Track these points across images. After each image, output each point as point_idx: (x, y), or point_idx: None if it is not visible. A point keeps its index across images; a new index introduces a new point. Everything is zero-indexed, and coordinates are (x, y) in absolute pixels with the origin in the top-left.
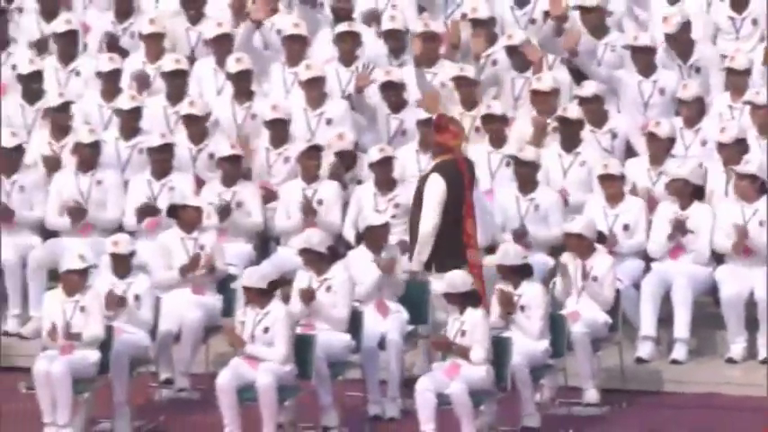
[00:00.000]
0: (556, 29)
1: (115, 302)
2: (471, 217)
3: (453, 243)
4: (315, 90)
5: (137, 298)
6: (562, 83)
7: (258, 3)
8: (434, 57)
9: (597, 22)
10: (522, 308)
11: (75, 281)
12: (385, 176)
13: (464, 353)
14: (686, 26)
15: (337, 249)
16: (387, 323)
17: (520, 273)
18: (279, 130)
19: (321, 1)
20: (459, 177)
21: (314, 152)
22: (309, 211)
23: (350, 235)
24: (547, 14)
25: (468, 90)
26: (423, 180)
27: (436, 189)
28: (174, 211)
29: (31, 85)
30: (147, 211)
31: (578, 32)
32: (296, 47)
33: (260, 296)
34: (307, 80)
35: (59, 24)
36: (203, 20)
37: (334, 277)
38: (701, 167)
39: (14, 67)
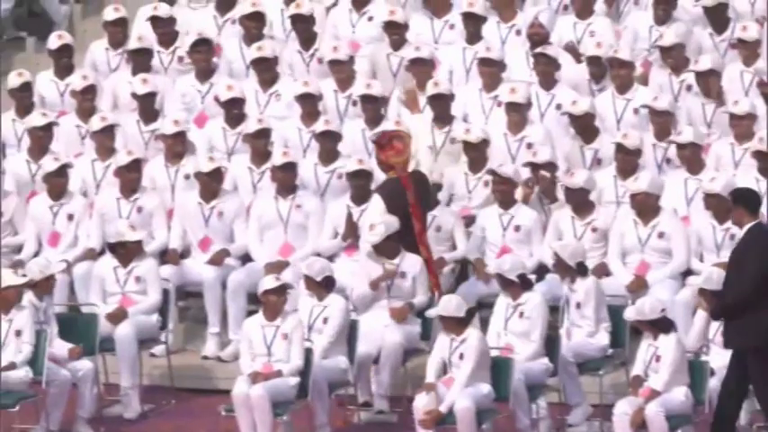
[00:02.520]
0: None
1: None
2: (424, 231)
3: None
4: (516, 114)
5: (325, 321)
6: (759, 110)
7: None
8: (628, 83)
9: None
10: None
11: (272, 301)
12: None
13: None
14: None
15: (526, 276)
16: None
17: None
18: (478, 154)
19: (518, 29)
20: (402, 194)
21: (508, 179)
22: None
23: (548, 259)
24: (741, 42)
25: (662, 119)
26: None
27: (373, 210)
28: None
29: (233, 111)
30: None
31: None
32: (489, 70)
33: (457, 324)
34: (508, 104)
35: (254, 51)
36: (405, 45)
37: (527, 302)
38: None
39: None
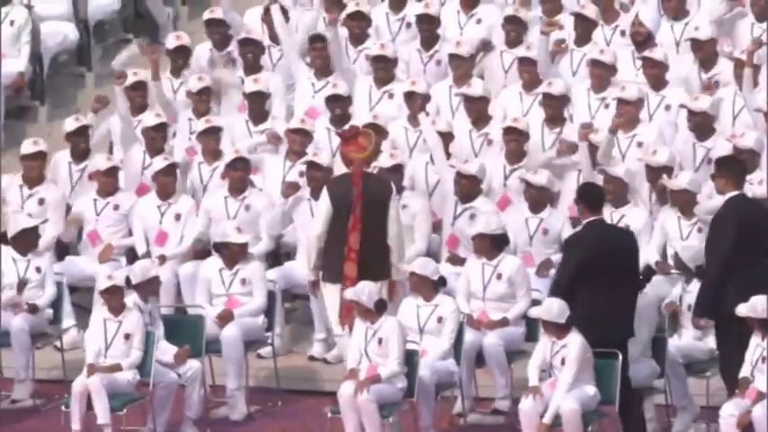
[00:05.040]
0: None
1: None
2: (357, 231)
3: (338, 255)
4: (628, 113)
5: (439, 320)
6: None
7: None
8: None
9: None
10: None
11: (352, 307)
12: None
13: None
14: None
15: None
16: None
17: None
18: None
19: (623, 29)
20: (349, 192)
21: (617, 178)
22: None
23: (653, 259)
24: None
25: None
26: None
27: (320, 203)
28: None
29: (335, 109)
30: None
31: None
32: (599, 72)
33: (557, 329)
34: (618, 100)
35: (376, 49)
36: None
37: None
38: None
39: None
